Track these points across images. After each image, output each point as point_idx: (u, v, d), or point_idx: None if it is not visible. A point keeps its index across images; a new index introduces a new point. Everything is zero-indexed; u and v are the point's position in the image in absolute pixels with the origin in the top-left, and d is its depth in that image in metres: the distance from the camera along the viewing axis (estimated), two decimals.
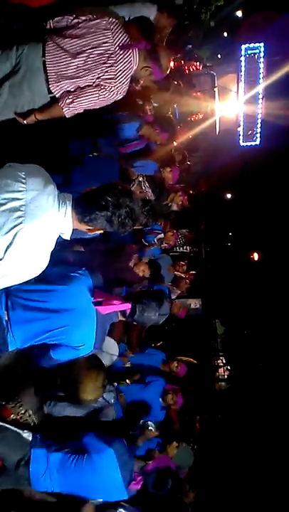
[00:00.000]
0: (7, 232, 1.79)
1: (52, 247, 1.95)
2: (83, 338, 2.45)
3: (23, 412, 2.79)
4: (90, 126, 3.84)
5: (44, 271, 2.04)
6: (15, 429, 2.65)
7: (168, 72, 3.01)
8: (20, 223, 1.81)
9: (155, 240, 5.66)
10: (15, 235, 1.79)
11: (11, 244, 1.79)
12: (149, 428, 3.79)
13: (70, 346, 2.45)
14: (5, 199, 1.81)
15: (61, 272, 2.53)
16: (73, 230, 2.05)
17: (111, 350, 3.60)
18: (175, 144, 5.70)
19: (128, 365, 4.66)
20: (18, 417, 2.76)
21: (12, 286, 2.22)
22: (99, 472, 2.71)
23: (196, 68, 10.11)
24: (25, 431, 2.69)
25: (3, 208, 1.80)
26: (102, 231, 2.08)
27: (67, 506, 2.81)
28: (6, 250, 1.79)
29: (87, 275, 2.53)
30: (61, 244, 2.07)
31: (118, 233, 2.11)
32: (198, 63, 10.18)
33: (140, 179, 3.93)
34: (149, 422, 3.82)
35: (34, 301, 2.35)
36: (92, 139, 3.85)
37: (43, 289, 2.38)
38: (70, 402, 3.15)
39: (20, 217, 1.81)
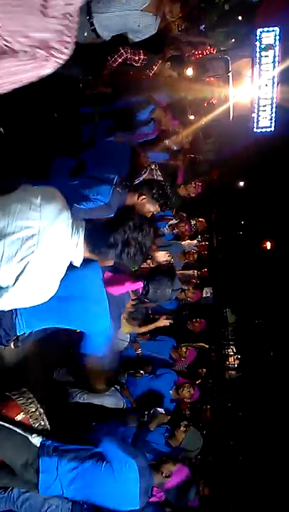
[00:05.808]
0: (20, 261, 1.79)
1: (62, 274, 1.96)
2: (97, 323, 2.42)
3: (33, 410, 2.65)
4: (103, 111, 3.78)
5: None
6: (23, 433, 2.53)
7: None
8: (33, 252, 1.81)
9: (166, 227, 5.60)
10: (27, 264, 1.79)
11: (22, 272, 1.79)
12: (161, 412, 3.74)
13: (86, 332, 2.46)
14: (18, 227, 1.80)
15: None
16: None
17: (122, 337, 3.59)
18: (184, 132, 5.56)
19: (139, 351, 4.65)
20: (28, 416, 2.62)
21: None
22: (118, 482, 2.62)
23: (210, 52, 9.89)
24: (34, 435, 2.56)
25: (17, 236, 1.79)
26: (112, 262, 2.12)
27: None
28: (17, 278, 1.80)
29: None
30: None
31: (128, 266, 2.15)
32: (211, 47, 9.95)
33: (152, 167, 3.87)
34: (159, 409, 3.79)
35: None
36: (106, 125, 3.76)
37: None
38: (82, 388, 3.13)
39: (33, 245, 1.81)
